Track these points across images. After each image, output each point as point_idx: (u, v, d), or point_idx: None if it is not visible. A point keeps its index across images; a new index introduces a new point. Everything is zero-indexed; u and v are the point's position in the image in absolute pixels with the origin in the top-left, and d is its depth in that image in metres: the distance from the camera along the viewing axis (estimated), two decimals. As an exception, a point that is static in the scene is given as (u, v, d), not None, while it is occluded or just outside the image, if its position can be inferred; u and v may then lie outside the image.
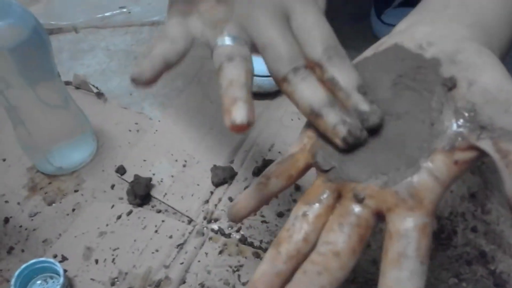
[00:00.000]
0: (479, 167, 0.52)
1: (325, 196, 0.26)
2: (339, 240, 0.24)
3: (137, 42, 0.73)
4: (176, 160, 0.56)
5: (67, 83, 0.65)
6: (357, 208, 0.24)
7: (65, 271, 0.45)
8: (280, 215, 0.50)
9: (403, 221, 0.23)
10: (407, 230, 0.23)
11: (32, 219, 0.52)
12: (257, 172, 0.53)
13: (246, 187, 0.52)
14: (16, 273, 0.44)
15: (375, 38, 0.71)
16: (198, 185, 0.53)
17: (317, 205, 0.26)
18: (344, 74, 0.26)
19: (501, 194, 0.49)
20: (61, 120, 0.54)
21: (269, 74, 0.66)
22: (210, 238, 0.49)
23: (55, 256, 0.48)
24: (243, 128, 0.24)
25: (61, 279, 0.44)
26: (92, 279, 0.46)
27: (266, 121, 0.59)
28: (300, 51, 0.27)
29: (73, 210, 0.52)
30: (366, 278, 0.44)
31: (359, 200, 0.24)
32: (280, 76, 0.27)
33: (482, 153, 0.23)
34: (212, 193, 0.53)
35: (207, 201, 0.52)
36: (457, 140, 0.23)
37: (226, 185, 0.53)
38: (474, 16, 0.26)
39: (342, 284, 0.24)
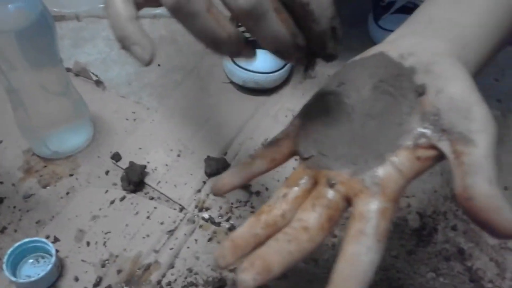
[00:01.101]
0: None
1: (303, 181, 0.29)
2: (310, 217, 0.27)
3: (138, 34, 0.74)
4: (171, 150, 0.57)
5: (68, 69, 0.66)
6: (329, 192, 0.27)
7: (56, 251, 0.46)
8: (269, 207, 0.51)
9: (366, 205, 0.26)
10: (369, 212, 0.25)
11: (26, 201, 0.53)
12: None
13: (237, 179, 0.54)
14: (9, 251, 0.45)
15: (372, 42, 0.73)
16: (191, 174, 0.55)
17: (296, 188, 0.29)
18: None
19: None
20: (61, 106, 0.55)
21: (266, 71, 0.67)
22: (201, 226, 0.50)
23: (47, 237, 0.49)
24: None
25: (53, 259, 0.45)
26: (83, 260, 0.47)
27: (261, 117, 0.61)
28: None
29: (67, 193, 0.53)
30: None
31: (331, 186, 0.27)
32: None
33: (442, 153, 0.26)
34: (204, 183, 0.54)
35: (199, 191, 0.53)
36: (420, 140, 0.26)
37: (218, 176, 0.55)
38: (454, 31, 0.29)
39: (309, 255, 0.27)
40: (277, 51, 0.26)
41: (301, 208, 0.28)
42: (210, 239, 0.49)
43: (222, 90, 0.64)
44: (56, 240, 0.49)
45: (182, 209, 0.52)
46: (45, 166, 0.56)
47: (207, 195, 0.53)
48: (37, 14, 0.45)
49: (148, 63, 0.26)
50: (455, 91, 0.26)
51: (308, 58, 0.28)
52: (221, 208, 0.51)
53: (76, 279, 0.46)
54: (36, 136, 0.55)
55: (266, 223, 0.28)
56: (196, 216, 0.51)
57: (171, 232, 0.50)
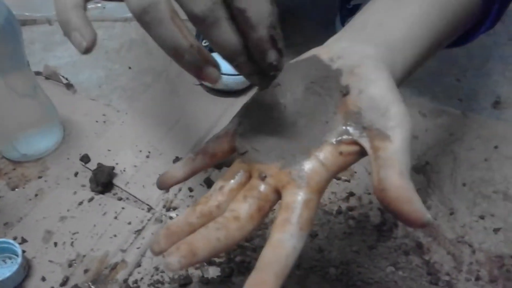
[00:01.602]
0: (424, 167, 0.56)
1: (238, 174, 0.31)
2: (241, 208, 0.28)
3: (109, 37, 0.75)
4: (140, 151, 0.58)
5: (38, 73, 0.67)
6: (260, 185, 0.29)
7: (23, 252, 0.47)
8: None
9: (292, 196, 0.27)
10: (294, 202, 0.27)
11: (-5, 203, 0.53)
12: (217, 165, 0.56)
13: (206, 179, 0.55)
14: (-24, 253, 0.46)
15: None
16: (160, 175, 0.55)
17: (232, 181, 0.31)
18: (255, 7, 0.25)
19: (441, 192, 0.53)
20: (29, 108, 0.55)
21: (235, 73, 0.69)
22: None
23: (15, 238, 0.49)
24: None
25: (19, 259, 0.45)
26: (50, 260, 0.48)
27: (230, 118, 0.62)
28: None
29: (36, 195, 0.54)
30: (311, 265, 0.47)
31: (262, 179, 0.29)
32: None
33: (364, 149, 0.28)
34: (172, 183, 0.55)
35: (167, 191, 0.54)
36: (343, 136, 0.28)
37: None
38: (384, 37, 0.31)
39: (238, 243, 0.28)
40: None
41: (234, 200, 0.29)
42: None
43: (192, 92, 0.65)
44: (23, 241, 0.49)
45: (150, 209, 0.53)
46: (14, 169, 0.57)
47: (175, 195, 0.54)
48: (2, 20, 0.46)
49: (85, 51, 0.27)
50: (375, 91, 0.28)
51: (256, 71, 0.28)
52: (188, 207, 0.52)
53: (43, 279, 0.46)
54: (5, 139, 0.56)
55: (202, 213, 0.30)
56: (163, 216, 0.52)
57: (138, 232, 0.50)
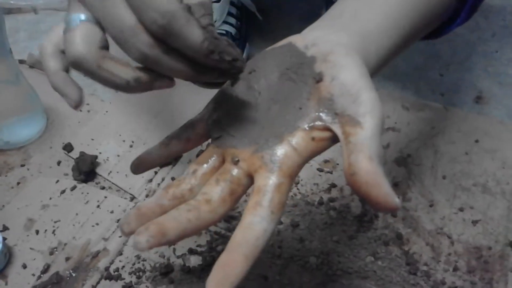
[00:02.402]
0: (405, 159, 0.56)
1: (212, 159, 0.31)
2: (213, 191, 0.29)
3: (95, 27, 0.74)
4: (124, 141, 0.58)
5: (21, 61, 0.66)
6: (232, 169, 0.29)
7: (4, 239, 0.47)
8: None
9: (264, 179, 0.28)
10: (265, 186, 0.27)
11: (-24, 191, 0.53)
12: (198, 153, 0.56)
13: (189, 169, 0.55)
14: (-44, 240, 0.45)
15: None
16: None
17: (205, 165, 0.31)
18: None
19: (422, 184, 0.54)
20: (11, 96, 0.55)
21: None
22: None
23: (-4, 226, 0.49)
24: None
25: (0, 246, 0.45)
26: (31, 248, 0.48)
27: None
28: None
29: (18, 183, 0.54)
30: (292, 254, 0.47)
31: (235, 163, 0.29)
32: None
33: (336, 135, 0.28)
34: (156, 173, 0.55)
35: (150, 180, 0.54)
36: (316, 122, 0.28)
37: (170, 166, 0.56)
38: (358, 25, 0.32)
39: (209, 225, 0.28)
40: (188, 80, 0.28)
41: (207, 184, 0.29)
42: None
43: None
44: (5, 228, 0.49)
45: (132, 198, 0.53)
46: (-4, 157, 0.56)
47: (158, 184, 0.54)
48: (-18, 4, 0.46)
49: (75, 108, 0.30)
50: (347, 78, 0.28)
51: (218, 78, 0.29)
52: (160, 189, 0.52)
53: (24, 267, 0.46)
54: (-13, 126, 0.55)
55: (174, 195, 0.30)
56: (146, 205, 0.52)
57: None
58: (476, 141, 0.59)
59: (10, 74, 0.54)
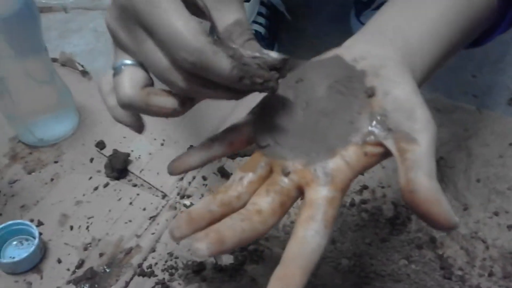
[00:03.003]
0: (438, 162, 0.56)
1: (259, 167, 0.31)
2: (264, 202, 0.29)
3: (125, 26, 0.75)
4: (155, 139, 0.58)
5: (54, 60, 0.67)
6: (283, 180, 0.29)
7: (40, 234, 0.47)
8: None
9: (316, 193, 0.28)
10: (318, 199, 0.27)
11: (11, 186, 0.54)
12: (231, 155, 0.56)
13: (220, 168, 0.55)
14: (-7, 233, 0.46)
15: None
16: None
17: (251, 174, 0.31)
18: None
19: (455, 188, 0.53)
20: (46, 94, 0.56)
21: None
22: (182, 212, 0.51)
23: (31, 221, 0.50)
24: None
25: (36, 241, 0.46)
26: (66, 243, 0.49)
27: (243, 109, 0.61)
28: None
29: (52, 180, 0.54)
30: (324, 256, 0.47)
31: (286, 174, 0.29)
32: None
33: (388, 150, 0.28)
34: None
35: (181, 179, 0.55)
36: (368, 137, 0.28)
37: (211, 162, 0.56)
38: (402, 40, 0.31)
39: (261, 236, 0.29)
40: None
41: (256, 194, 0.29)
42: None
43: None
44: (40, 224, 0.50)
45: (164, 196, 0.53)
46: (31, 153, 0.57)
47: (189, 183, 0.54)
48: (21, 3, 0.46)
49: (140, 133, 0.34)
50: (400, 94, 0.28)
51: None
52: (202, 195, 0.53)
53: (59, 261, 0.47)
54: (22, 123, 0.56)
55: (222, 201, 0.29)
56: (177, 203, 0.52)
57: (153, 218, 0.51)
58: (510, 144, 0.57)
59: (45, 73, 0.54)
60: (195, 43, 0.26)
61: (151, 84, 0.31)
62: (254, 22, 0.67)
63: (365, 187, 0.53)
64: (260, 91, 0.28)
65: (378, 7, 0.69)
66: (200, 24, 0.27)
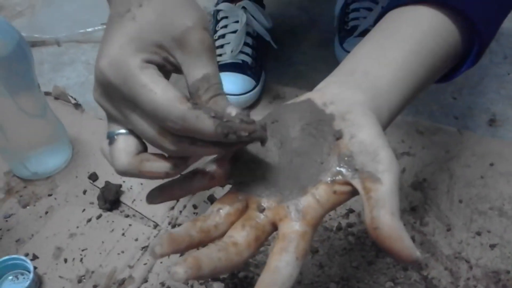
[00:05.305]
0: (421, 183, 0.57)
1: (236, 202, 0.32)
2: (239, 235, 0.30)
3: (116, 58, 0.77)
4: (146, 169, 0.60)
5: (47, 93, 0.69)
6: (258, 216, 0.31)
7: (35, 268, 0.49)
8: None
9: (289, 228, 0.30)
10: (291, 233, 0.29)
11: (6, 220, 0.55)
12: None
13: (209, 196, 0.57)
14: (-11, 269, 0.47)
15: (337, 63, 0.77)
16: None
17: (228, 207, 0.32)
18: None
19: (438, 209, 0.55)
20: (39, 128, 0.58)
21: (237, 93, 0.70)
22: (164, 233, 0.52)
23: (26, 255, 0.51)
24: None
25: (31, 275, 0.47)
26: (60, 276, 0.50)
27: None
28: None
29: (46, 213, 0.56)
30: (312, 281, 0.48)
31: (261, 210, 0.31)
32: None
33: (355, 189, 0.30)
34: (177, 200, 0.57)
35: (172, 208, 0.56)
36: (337, 176, 0.31)
37: (190, 194, 0.57)
38: (370, 83, 0.34)
39: (236, 268, 0.30)
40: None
41: (233, 228, 0.31)
42: (182, 254, 0.51)
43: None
44: (35, 257, 0.51)
45: (156, 225, 0.54)
46: (25, 187, 0.59)
47: (180, 212, 0.56)
48: (14, 45, 0.48)
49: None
50: (365, 137, 0.30)
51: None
52: (188, 222, 0.54)
53: (53, 295, 0.48)
54: (16, 158, 0.58)
55: (201, 228, 0.31)
56: (169, 232, 0.54)
57: (145, 248, 0.52)
58: (491, 164, 0.59)
59: (38, 108, 0.56)
60: (176, 112, 0.28)
61: (144, 149, 0.33)
62: (241, 52, 0.69)
63: (351, 211, 0.55)
64: (249, 142, 0.30)
65: (360, 35, 0.71)
66: (178, 90, 0.29)
